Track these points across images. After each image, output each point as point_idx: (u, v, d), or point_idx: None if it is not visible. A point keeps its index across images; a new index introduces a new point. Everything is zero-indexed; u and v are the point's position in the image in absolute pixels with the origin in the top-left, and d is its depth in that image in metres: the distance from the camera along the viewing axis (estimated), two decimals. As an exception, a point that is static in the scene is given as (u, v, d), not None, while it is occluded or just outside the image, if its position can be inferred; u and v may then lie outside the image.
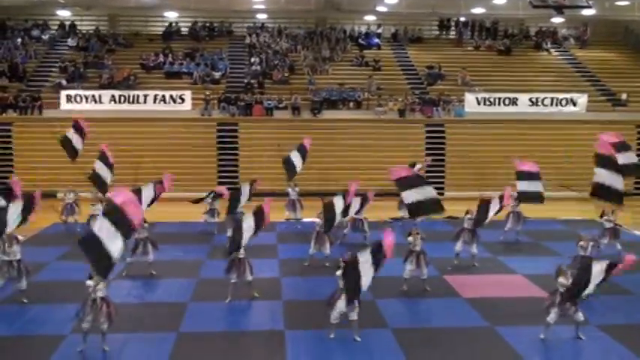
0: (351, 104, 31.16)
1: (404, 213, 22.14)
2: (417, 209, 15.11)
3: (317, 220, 16.97)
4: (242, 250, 13.91)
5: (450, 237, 17.45)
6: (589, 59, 36.19)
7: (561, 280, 11.60)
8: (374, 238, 18.89)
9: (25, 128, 29.27)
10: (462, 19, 37.97)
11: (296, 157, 21.52)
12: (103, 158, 20.81)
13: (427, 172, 29.56)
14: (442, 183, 29.72)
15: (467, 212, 16.97)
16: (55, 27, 36.49)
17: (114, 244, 10.52)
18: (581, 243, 14.88)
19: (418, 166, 22.86)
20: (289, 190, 21.98)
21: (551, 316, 11.69)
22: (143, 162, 28.59)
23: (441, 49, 36.78)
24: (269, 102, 30.58)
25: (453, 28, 38.44)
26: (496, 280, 15.96)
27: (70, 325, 12.32)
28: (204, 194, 21.72)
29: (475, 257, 16.89)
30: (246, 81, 32.37)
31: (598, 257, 14.51)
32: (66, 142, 21.44)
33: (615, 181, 16.08)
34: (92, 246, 10.52)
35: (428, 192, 14.82)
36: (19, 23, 35.92)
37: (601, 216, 18.24)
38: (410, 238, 14.76)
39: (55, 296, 14.25)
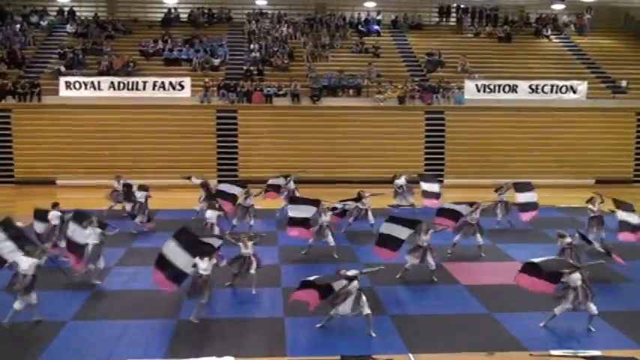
0: (351, 91, 31.10)
1: (399, 200, 22.09)
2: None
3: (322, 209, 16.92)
4: (248, 249, 13.84)
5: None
6: (589, 46, 36.08)
7: (591, 206, 11.87)
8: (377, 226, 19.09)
9: (24, 115, 29.21)
10: (462, 5, 37.82)
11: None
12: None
13: (426, 159, 29.74)
14: (442, 170, 29.73)
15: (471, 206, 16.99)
16: (54, 13, 36.34)
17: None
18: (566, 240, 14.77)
19: (402, 179, 22.50)
20: (287, 183, 21.81)
21: (559, 308, 11.71)
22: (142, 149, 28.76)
23: (441, 35, 36.66)
24: (268, 89, 30.51)
25: (453, 14, 38.31)
26: (495, 267, 16.01)
27: (70, 311, 12.41)
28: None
29: (481, 247, 16.85)
30: (245, 68, 32.29)
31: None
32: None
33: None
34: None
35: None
36: (18, 9, 35.75)
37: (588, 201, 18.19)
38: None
39: (55, 283, 14.28)
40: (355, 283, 11.48)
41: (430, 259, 14.58)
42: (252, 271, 13.77)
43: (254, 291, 13.85)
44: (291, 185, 22.01)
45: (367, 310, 11.44)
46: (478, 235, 16.84)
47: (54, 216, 16.12)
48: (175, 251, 12.21)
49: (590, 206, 17.95)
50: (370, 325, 11.50)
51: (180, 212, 21.40)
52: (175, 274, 12.13)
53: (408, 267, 14.68)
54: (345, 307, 11.39)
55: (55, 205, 16.45)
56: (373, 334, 11.43)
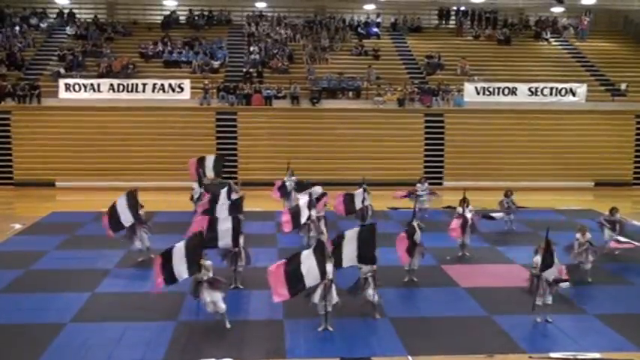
0: (350, 94, 31.12)
1: (422, 204, 21.76)
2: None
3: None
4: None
5: (447, 227, 17.45)
6: (588, 49, 36.10)
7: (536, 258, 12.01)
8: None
9: (24, 117, 29.21)
10: (462, 8, 37.86)
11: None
12: None
13: (426, 162, 29.71)
14: (441, 173, 29.74)
15: (465, 203, 16.91)
16: (54, 15, 36.37)
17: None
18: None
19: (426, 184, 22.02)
20: (285, 178, 21.79)
21: (537, 299, 11.91)
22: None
23: (441, 38, 36.70)
24: (268, 91, 30.52)
25: (452, 17, 38.35)
26: (494, 269, 16.00)
27: (70, 313, 12.39)
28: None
29: (466, 247, 16.88)
30: (245, 70, 32.29)
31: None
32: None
33: None
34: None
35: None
36: (18, 11, 35.79)
37: None
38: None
39: (54, 285, 14.29)
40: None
41: (415, 259, 14.42)
42: (239, 268, 14.01)
43: (240, 285, 14.08)
44: (290, 184, 21.95)
45: (336, 299, 11.62)
46: (466, 235, 16.76)
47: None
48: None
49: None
50: (329, 320, 11.64)
51: (180, 214, 21.40)
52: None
53: (406, 268, 14.62)
54: (315, 296, 11.56)
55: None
56: (330, 329, 11.59)
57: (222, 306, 11.65)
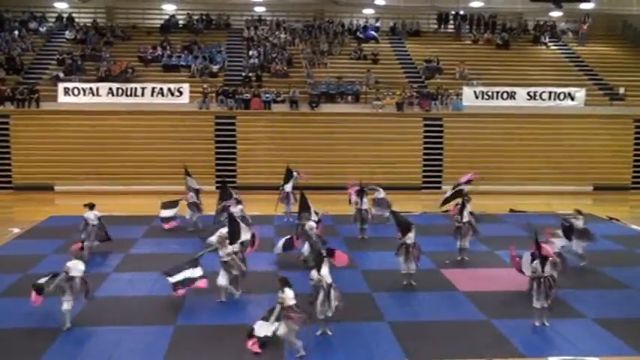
0: (349, 98, 31.13)
1: (381, 212, 21.21)
2: None
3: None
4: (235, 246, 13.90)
5: (447, 231, 17.49)
6: (587, 53, 36.16)
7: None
8: (370, 232, 19.11)
9: (23, 121, 29.21)
10: (461, 12, 37.90)
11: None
12: None
13: (425, 166, 29.72)
14: (440, 177, 29.74)
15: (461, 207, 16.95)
16: (53, 19, 36.38)
17: None
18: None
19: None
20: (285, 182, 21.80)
21: (535, 302, 11.98)
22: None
23: (440, 42, 36.73)
24: (267, 95, 30.54)
25: (451, 21, 38.39)
26: (493, 273, 15.99)
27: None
28: None
29: (465, 251, 16.88)
30: (244, 74, 32.30)
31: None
32: None
33: None
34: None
35: None
36: (17, 15, 35.78)
37: None
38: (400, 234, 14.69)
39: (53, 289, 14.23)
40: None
41: (411, 262, 14.41)
42: (235, 272, 13.75)
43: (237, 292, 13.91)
44: (289, 187, 21.88)
45: (336, 303, 11.48)
46: (466, 238, 16.78)
47: (94, 216, 16.90)
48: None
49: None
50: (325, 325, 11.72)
51: (178, 218, 21.37)
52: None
53: (404, 271, 14.63)
54: (317, 304, 11.52)
55: (92, 207, 17.03)
56: (329, 333, 11.66)
57: (65, 307, 11.85)
